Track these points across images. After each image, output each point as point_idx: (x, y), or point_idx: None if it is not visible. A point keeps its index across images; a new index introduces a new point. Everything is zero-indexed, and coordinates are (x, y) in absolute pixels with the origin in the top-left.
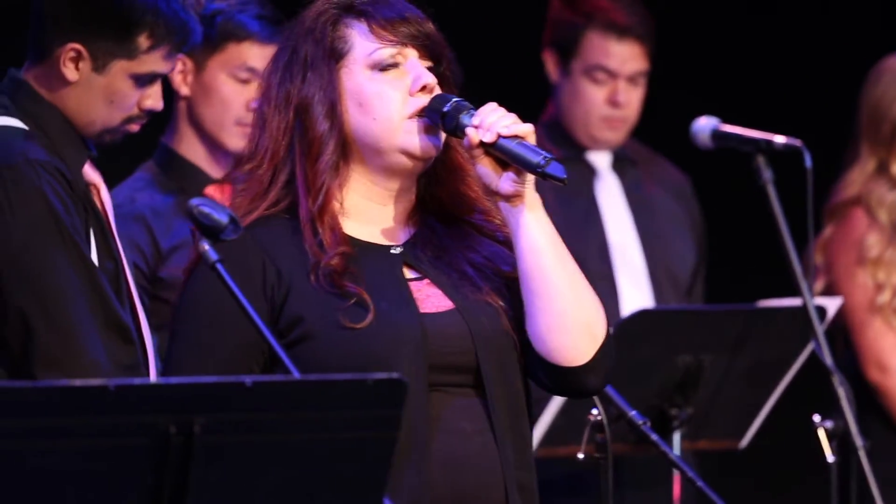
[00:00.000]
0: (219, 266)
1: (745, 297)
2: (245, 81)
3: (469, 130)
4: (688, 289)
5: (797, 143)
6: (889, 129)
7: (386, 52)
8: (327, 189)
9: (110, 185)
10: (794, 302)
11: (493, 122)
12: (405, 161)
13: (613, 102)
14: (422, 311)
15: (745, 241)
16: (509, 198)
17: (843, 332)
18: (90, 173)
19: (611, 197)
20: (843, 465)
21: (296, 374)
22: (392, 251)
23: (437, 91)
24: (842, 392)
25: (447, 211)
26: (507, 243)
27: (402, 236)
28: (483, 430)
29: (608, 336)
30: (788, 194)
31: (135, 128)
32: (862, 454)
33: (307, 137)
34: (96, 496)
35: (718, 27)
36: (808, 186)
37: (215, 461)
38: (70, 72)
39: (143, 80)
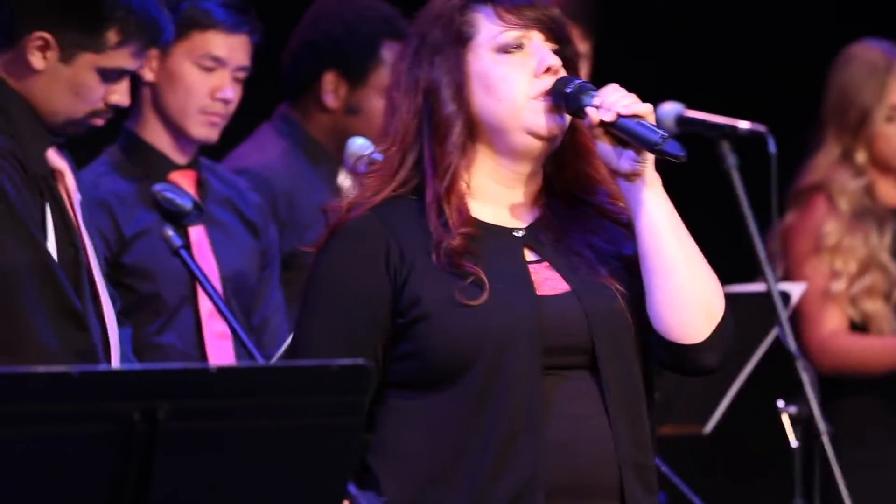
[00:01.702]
0: (182, 252)
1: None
2: (210, 70)
3: (590, 110)
4: None
5: (761, 128)
6: (855, 117)
7: (511, 35)
8: (455, 169)
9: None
10: (758, 287)
11: (613, 101)
12: (530, 141)
13: None
14: (539, 293)
15: (709, 227)
16: (629, 176)
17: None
18: (55, 159)
19: None
20: (807, 451)
21: (259, 360)
22: (514, 234)
23: (562, 73)
24: (805, 377)
25: (572, 193)
26: (630, 226)
27: (527, 219)
28: (597, 413)
29: (726, 315)
30: (752, 180)
31: (99, 122)
32: (825, 439)
33: (435, 120)
34: (60, 483)
35: (683, 11)
36: (772, 172)
37: (179, 448)
38: (36, 60)
39: (110, 75)
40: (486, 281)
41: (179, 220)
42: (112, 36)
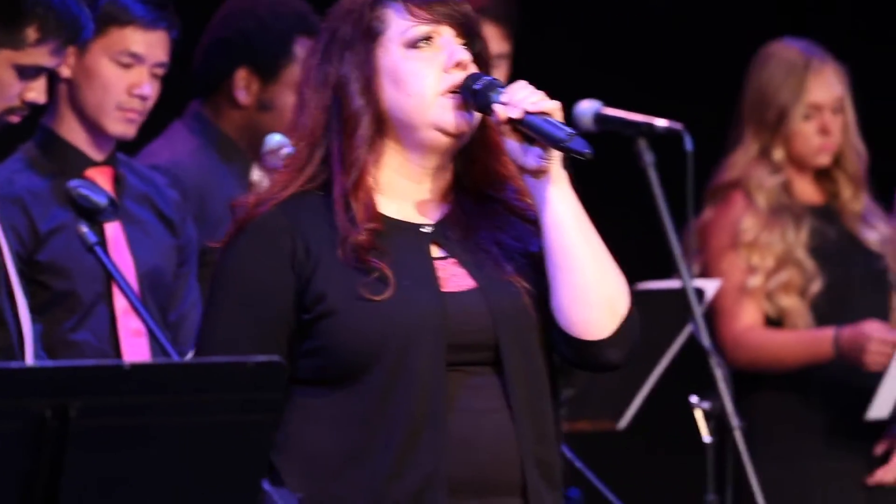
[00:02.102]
0: (97, 249)
1: (626, 280)
2: (127, 66)
3: (497, 107)
4: None
5: (678, 126)
6: (774, 115)
7: (421, 30)
8: (362, 164)
9: None
10: (672, 284)
11: (520, 98)
12: (438, 137)
13: None
14: (444, 289)
15: (625, 224)
16: (535, 172)
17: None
18: None
19: None
20: (720, 446)
21: (174, 357)
22: (421, 229)
23: (472, 69)
24: (719, 373)
25: (481, 189)
26: (537, 222)
27: (435, 215)
28: (499, 408)
29: (631, 312)
30: (669, 177)
31: (15, 119)
32: (737, 434)
33: (343, 115)
34: None
35: (600, 9)
36: (689, 170)
37: (92, 445)
38: None
39: (27, 73)
40: (390, 277)
41: (95, 216)
42: (31, 33)
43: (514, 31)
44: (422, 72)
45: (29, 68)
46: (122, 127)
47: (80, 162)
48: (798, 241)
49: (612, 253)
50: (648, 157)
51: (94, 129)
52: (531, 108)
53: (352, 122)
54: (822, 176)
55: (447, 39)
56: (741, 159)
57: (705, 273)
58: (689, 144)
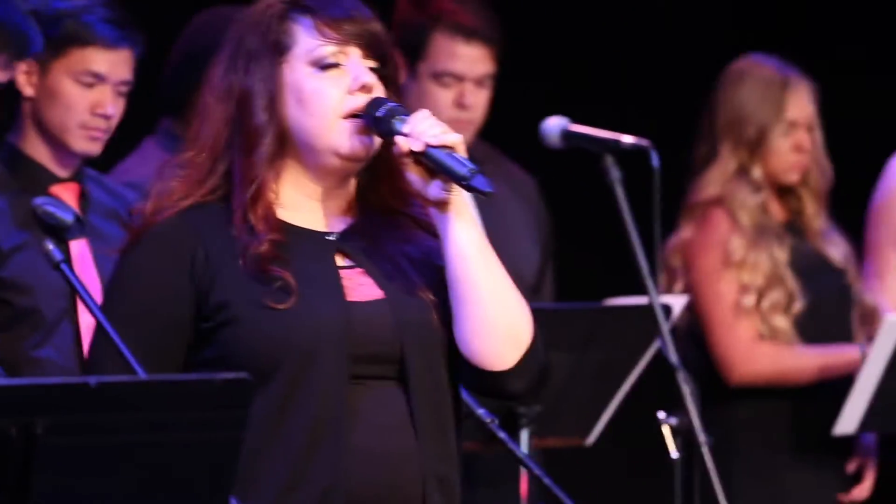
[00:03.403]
0: (63, 266)
1: (594, 296)
2: (90, 85)
3: (398, 139)
4: (534, 287)
5: (645, 143)
6: (753, 134)
7: (328, 50)
8: (262, 180)
9: None
10: (640, 300)
11: (422, 130)
12: (335, 161)
13: (460, 105)
14: (350, 299)
15: (593, 241)
16: (437, 204)
17: (692, 331)
18: None
19: None
20: (687, 462)
21: (141, 374)
22: (326, 238)
23: (378, 91)
24: (686, 389)
25: (387, 204)
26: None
27: (339, 225)
28: (403, 424)
29: (534, 342)
30: (636, 194)
31: None
32: (705, 450)
33: (245, 128)
34: None
35: (567, 26)
36: (655, 186)
37: (58, 463)
38: None
39: None
40: (293, 285)
41: (60, 233)
42: None
43: (501, 52)
44: (325, 92)
45: None
46: (86, 144)
47: (45, 178)
48: (782, 259)
49: (581, 270)
50: (615, 174)
51: (59, 146)
52: (433, 142)
53: (254, 138)
54: (785, 193)
55: (354, 61)
56: (718, 177)
57: (693, 292)
58: (655, 161)
